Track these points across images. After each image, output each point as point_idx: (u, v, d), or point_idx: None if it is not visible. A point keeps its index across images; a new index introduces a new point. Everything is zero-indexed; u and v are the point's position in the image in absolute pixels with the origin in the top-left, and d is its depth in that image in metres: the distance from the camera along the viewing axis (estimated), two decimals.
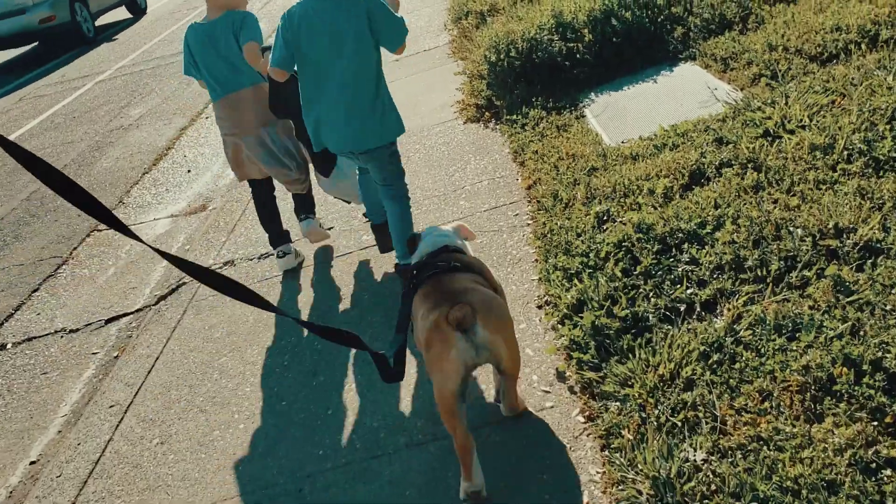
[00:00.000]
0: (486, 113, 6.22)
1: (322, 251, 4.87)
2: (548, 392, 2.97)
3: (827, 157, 3.60)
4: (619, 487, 2.44)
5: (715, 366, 2.64)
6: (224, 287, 1.89)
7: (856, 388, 2.37)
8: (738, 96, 4.69)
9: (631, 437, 2.54)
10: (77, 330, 4.98)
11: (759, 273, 3.02)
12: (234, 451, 3.31)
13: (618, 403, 2.71)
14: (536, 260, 3.87)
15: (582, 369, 2.91)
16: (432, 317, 2.51)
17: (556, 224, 3.91)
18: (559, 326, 3.25)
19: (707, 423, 2.47)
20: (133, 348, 4.43)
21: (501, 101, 6.00)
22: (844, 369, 2.41)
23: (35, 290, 5.77)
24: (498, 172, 5.15)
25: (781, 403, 2.44)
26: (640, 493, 2.36)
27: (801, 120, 4.01)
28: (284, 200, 5.05)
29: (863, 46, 4.68)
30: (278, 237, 4.68)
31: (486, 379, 3.17)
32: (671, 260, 3.27)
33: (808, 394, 2.43)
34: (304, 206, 4.71)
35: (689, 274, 3.14)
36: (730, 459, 2.33)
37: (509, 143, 5.49)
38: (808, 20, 5.23)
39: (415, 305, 2.71)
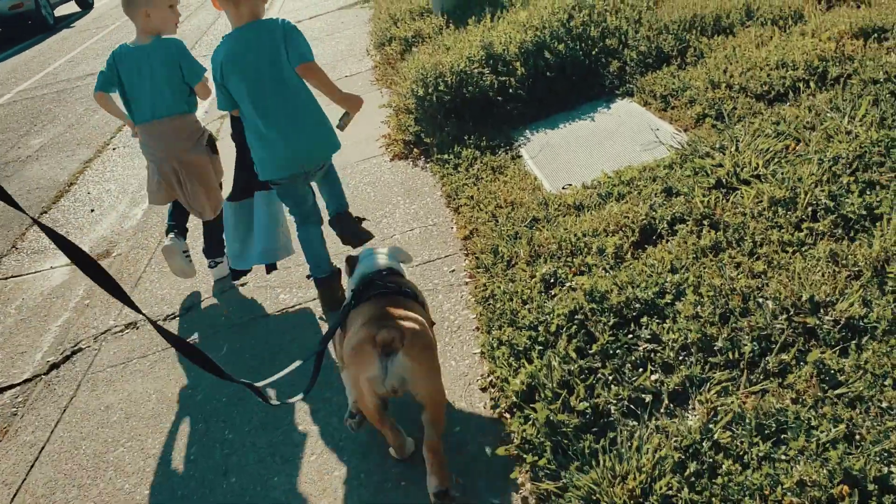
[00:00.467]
0: (415, 149, 5.82)
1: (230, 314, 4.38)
2: None
3: (789, 213, 3.31)
4: None
5: (693, 479, 2.27)
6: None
7: None
8: (683, 139, 4.40)
9: None
10: None
11: (731, 356, 2.68)
12: None
13: None
14: (478, 328, 3.47)
15: (538, 477, 2.51)
16: (359, 335, 2.51)
17: (499, 287, 3.53)
18: (507, 417, 2.85)
19: None
20: (16, 433, 3.86)
21: (431, 138, 5.62)
22: (846, 488, 2.07)
23: None
24: (430, 219, 4.75)
25: None
26: None
27: (756, 169, 3.73)
28: None
29: (811, 85, 4.45)
30: (178, 229, 4.62)
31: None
32: (630, 336, 2.91)
33: None
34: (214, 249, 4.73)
35: (652, 355, 2.79)
36: None
37: (441, 185, 5.10)
38: (749, 55, 5.00)
39: (350, 319, 2.74)
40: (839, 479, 2.10)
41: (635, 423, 2.55)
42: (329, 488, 2.85)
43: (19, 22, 19.51)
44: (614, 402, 2.64)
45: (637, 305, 3.03)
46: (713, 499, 2.19)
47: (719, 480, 2.23)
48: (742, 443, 2.34)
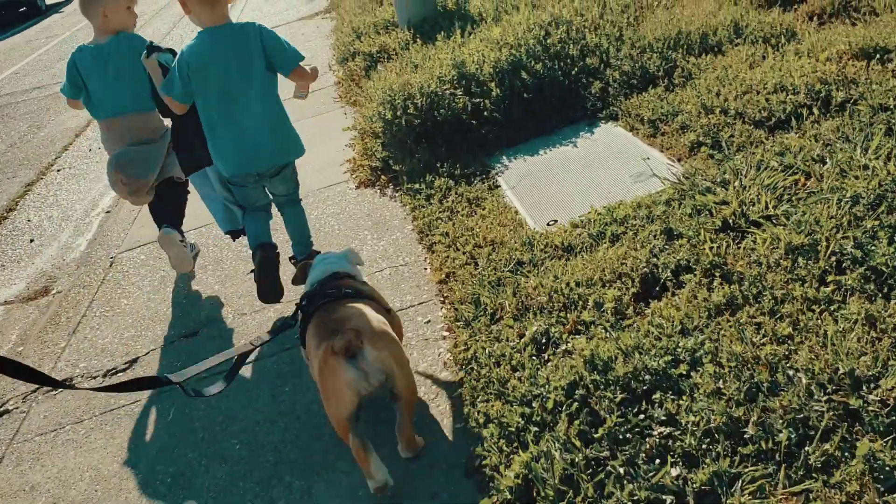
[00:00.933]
0: (383, 176, 5.38)
1: None
2: None
3: (811, 263, 2.93)
4: None
5: None
6: None
7: None
8: (679, 170, 4.01)
9: None
10: None
11: (764, 445, 2.28)
12: None
13: None
14: (461, 396, 3.03)
15: None
16: (321, 350, 2.53)
17: (482, 347, 3.10)
18: None
19: None
20: None
21: (400, 165, 5.18)
22: None
23: None
24: (401, 257, 4.31)
25: None
26: None
27: (766, 208, 3.35)
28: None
29: (815, 111, 4.09)
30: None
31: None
32: (642, 417, 2.49)
33: None
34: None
35: (670, 443, 2.38)
36: None
37: (412, 218, 4.66)
38: (742, 76, 4.64)
39: (308, 339, 2.76)
40: None
41: None
42: None
43: (12, 5, 21.70)
44: None
45: (647, 377, 2.62)
46: None
47: None
48: None
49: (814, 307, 2.74)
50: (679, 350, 2.68)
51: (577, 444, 2.44)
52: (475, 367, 3.03)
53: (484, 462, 2.61)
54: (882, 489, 2.06)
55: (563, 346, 2.93)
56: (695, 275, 3.09)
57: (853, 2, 5.39)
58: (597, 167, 4.49)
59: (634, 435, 2.43)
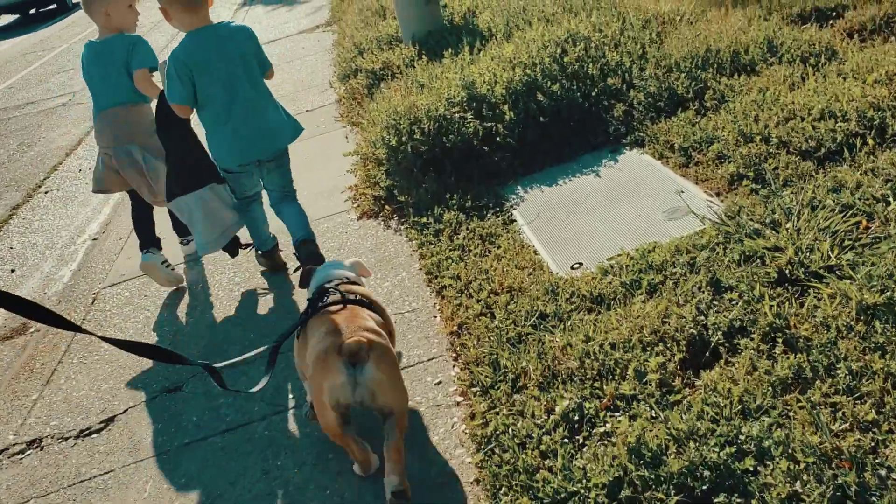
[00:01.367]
0: (387, 207, 4.95)
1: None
2: None
3: (890, 328, 2.49)
4: None
5: None
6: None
7: None
8: (720, 207, 3.58)
9: None
10: None
11: None
12: None
13: None
14: (478, 482, 2.60)
15: None
16: (324, 344, 2.48)
17: (504, 423, 2.67)
18: None
19: None
20: None
21: (406, 195, 4.75)
22: None
23: None
24: (408, 302, 3.88)
25: None
26: None
27: (827, 257, 2.92)
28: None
29: (869, 140, 3.66)
30: (150, 243, 4.68)
31: None
32: None
33: None
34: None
35: None
36: None
37: (419, 256, 4.24)
38: (782, 99, 4.21)
39: (310, 328, 2.70)
40: None
41: None
42: None
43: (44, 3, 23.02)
44: None
45: (706, 472, 2.18)
46: None
47: None
48: None
49: None
50: (742, 438, 2.25)
51: None
52: (496, 450, 2.59)
53: None
54: None
55: (601, 427, 2.49)
56: (752, 339, 2.66)
57: None
58: (623, 200, 4.07)
59: None
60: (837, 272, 2.85)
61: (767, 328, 2.66)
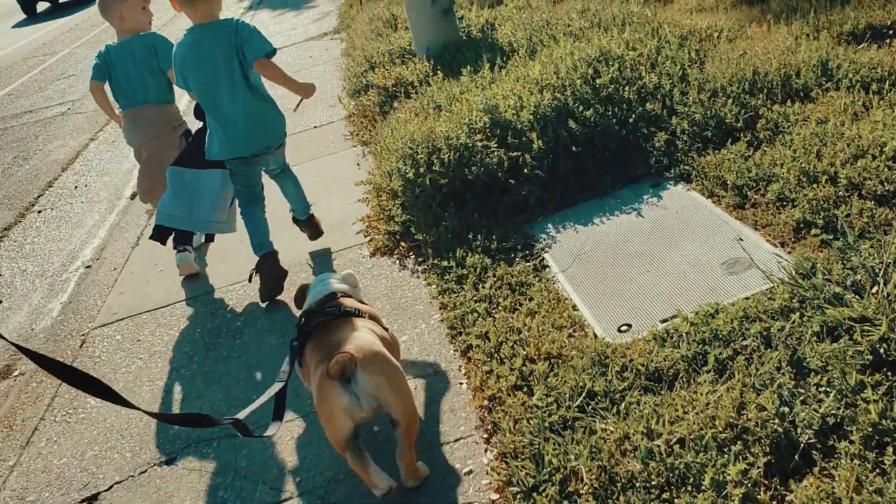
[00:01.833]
0: (402, 244, 4.51)
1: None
2: None
3: None
4: None
5: None
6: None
7: None
8: (788, 261, 3.13)
9: None
10: None
11: None
12: None
13: None
14: None
15: None
16: (318, 374, 2.50)
17: None
18: None
19: None
20: None
21: (423, 234, 4.30)
22: None
23: None
24: (428, 363, 3.44)
25: None
26: None
27: None
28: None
29: None
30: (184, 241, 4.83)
31: None
32: None
33: None
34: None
35: None
36: None
37: (440, 305, 3.80)
38: (847, 133, 3.76)
39: (307, 359, 2.70)
40: None
41: None
42: None
43: None
44: None
45: None
46: None
47: None
48: None
49: None
50: None
51: None
52: None
53: None
54: None
55: None
56: (851, 442, 2.21)
57: None
58: (672, 246, 3.62)
59: None
60: None
61: (871, 430, 2.21)
